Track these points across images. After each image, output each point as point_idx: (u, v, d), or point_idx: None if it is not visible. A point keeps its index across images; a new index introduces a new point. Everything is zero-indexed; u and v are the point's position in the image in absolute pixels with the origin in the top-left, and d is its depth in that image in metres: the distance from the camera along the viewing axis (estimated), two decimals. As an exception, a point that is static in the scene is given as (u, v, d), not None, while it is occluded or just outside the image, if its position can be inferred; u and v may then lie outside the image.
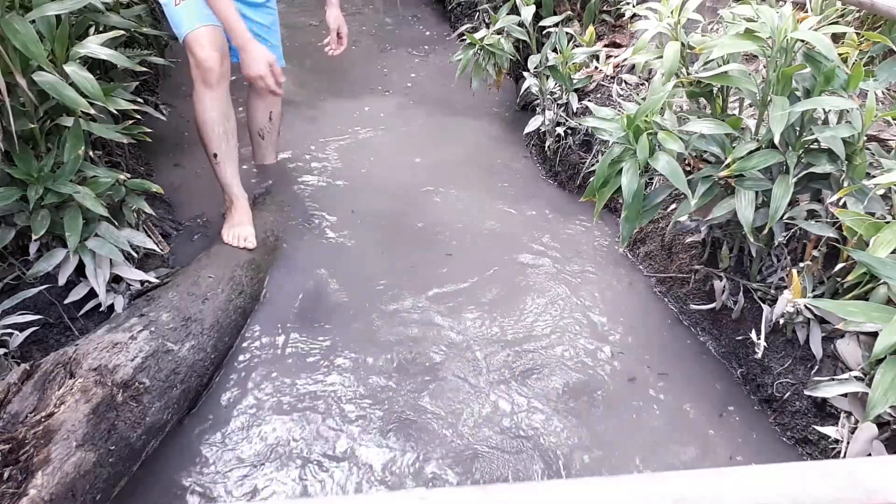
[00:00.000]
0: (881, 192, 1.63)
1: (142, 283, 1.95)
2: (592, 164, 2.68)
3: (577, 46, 2.89)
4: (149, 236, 2.10)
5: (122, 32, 2.26)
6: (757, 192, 1.74)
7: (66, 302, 1.86)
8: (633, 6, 2.67)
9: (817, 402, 1.69)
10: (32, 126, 1.81)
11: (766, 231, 1.76)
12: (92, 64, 2.26)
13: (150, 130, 2.26)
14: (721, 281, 2.00)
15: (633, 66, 2.63)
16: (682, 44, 1.91)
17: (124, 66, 2.11)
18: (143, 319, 1.74)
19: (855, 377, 1.56)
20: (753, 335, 1.83)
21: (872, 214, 1.58)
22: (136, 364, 1.61)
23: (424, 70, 3.95)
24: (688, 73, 1.97)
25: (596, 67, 2.99)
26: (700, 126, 1.77)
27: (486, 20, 3.56)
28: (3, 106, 1.63)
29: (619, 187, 1.77)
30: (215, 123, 2.15)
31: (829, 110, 1.75)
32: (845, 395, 1.58)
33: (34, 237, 1.79)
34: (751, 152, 1.71)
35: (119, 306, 1.87)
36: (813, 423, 1.69)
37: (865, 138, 1.68)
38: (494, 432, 1.76)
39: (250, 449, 1.71)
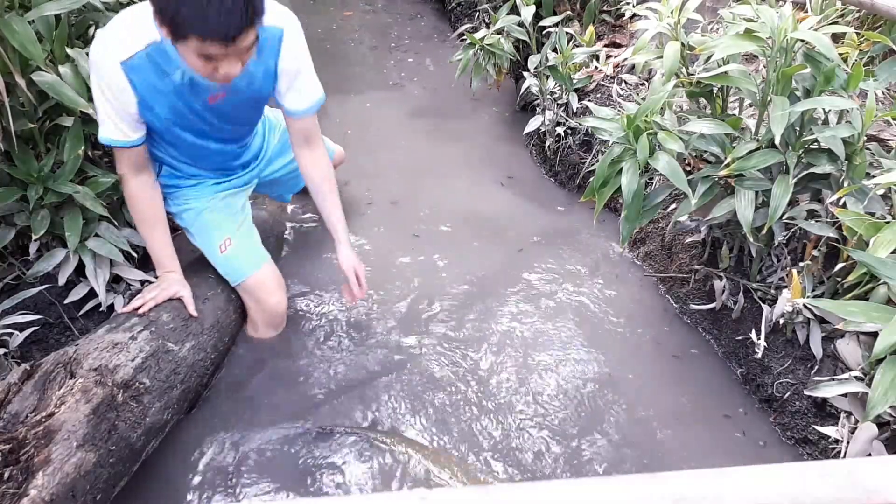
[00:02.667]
0: (881, 192, 1.63)
1: (142, 283, 1.95)
2: (592, 164, 2.68)
3: (577, 46, 2.89)
4: (149, 236, 2.10)
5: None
6: (757, 192, 1.74)
7: (66, 302, 1.86)
8: (633, 6, 2.67)
9: (817, 402, 1.69)
10: (32, 126, 1.81)
11: (765, 231, 1.76)
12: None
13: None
14: (721, 281, 2.00)
15: (633, 66, 2.63)
16: (682, 44, 1.91)
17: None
18: (143, 319, 1.74)
19: (855, 377, 1.56)
20: (753, 335, 1.83)
21: (872, 214, 1.58)
22: (137, 364, 1.61)
23: (424, 69, 3.95)
24: (688, 73, 1.97)
25: (596, 67, 2.99)
26: (700, 126, 1.77)
27: (486, 20, 3.56)
28: (3, 106, 1.63)
29: (619, 187, 1.77)
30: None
31: (829, 110, 1.75)
32: (845, 395, 1.58)
33: (34, 237, 1.79)
34: (751, 152, 1.71)
35: (119, 306, 1.87)
36: (813, 423, 1.69)
37: (865, 138, 1.68)
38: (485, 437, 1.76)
39: (251, 448, 1.71)
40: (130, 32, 1.50)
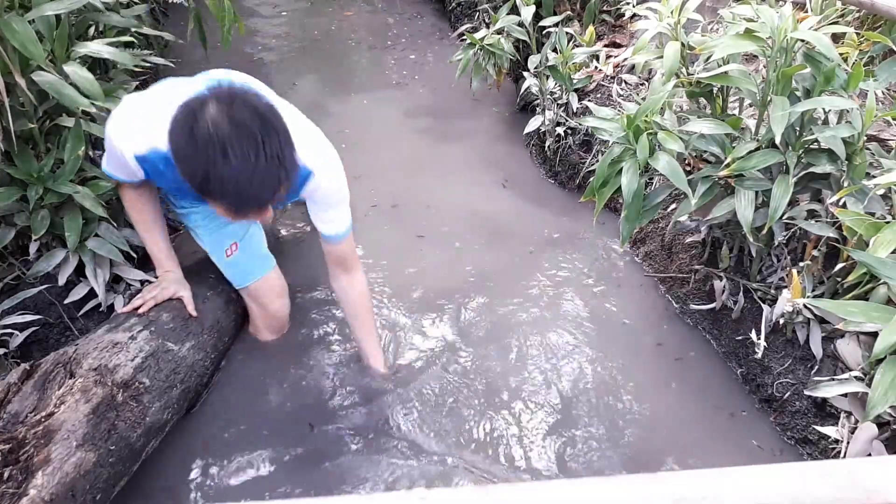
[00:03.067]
0: (881, 192, 1.63)
1: (142, 282, 1.95)
2: (592, 164, 2.68)
3: (577, 46, 2.89)
4: (149, 236, 2.10)
5: (128, 38, 2.26)
6: (757, 192, 1.74)
7: (66, 302, 1.86)
8: (633, 6, 2.67)
9: (817, 402, 1.69)
10: (32, 126, 1.81)
11: (765, 231, 1.76)
12: (91, 64, 2.26)
13: (150, 130, 2.26)
14: (721, 281, 2.00)
15: (633, 66, 2.63)
16: (682, 44, 1.91)
17: (124, 67, 2.10)
18: (143, 319, 1.74)
19: (855, 377, 1.56)
20: (753, 335, 1.83)
21: (872, 214, 1.58)
22: (136, 364, 1.61)
23: (424, 69, 3.95)
24: (688, 73, 1.97)
25: (596, 67, 2.99)
26: (700, 126, 1.77)
27: (486, 20, 3.56)
28: (3, 106, 1.63)
29: (619, 187, 1.77)
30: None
31: (829, 110, 1.75)
32: (845, 395, 1.58)
33: (34, 237, 1.79)
34: (751, 152, 1.71)
35: (119, 306, 1.87)
36: (813, 423, 1.69)
37: (865, 138, 1.68)
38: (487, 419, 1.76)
39: (251, 448, 1.71)
40: (143, 134, 1.42)
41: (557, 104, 2.86)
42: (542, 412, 1.83)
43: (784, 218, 1.73)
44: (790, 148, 1.72)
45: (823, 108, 1.72)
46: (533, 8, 3.03)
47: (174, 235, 2.40)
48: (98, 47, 1.94)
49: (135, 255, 1.98)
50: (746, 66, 2.06)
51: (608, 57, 3.02)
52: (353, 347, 1.99)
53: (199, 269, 2.02)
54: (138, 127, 1.44)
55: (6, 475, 1.29)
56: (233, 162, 1.18)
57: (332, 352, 2.00)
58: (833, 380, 1.61)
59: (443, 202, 2.74)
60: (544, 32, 3.12)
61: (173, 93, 1.39)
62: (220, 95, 1.22)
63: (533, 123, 2.89)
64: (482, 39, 3.05)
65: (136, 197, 1.73)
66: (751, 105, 1.99)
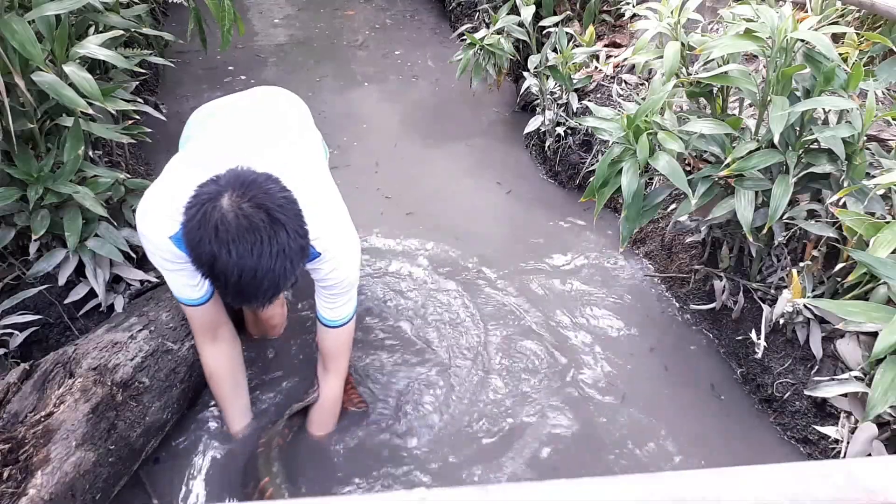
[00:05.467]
0: (881, 192, 1.63)
1: (142, 282, 1.95)
2: (592, 164, 2.68)
3: (577, 46, 2.89)
4: (149, 236, 2.10)
5: (122, 33, 2.26)
6: (757, 192, 1.74)
7: (66, 302, 1.86)
8: (633, 6, 2.67)
9: (817, 402, 1.69)
10: (32, 126, 1.81)
11: (765, 231, 1.76)
12: (92, 64, 2.26)
13: (149, 130, 2.26)
14: (721, 281, 2.00)
15: (633, 66, 2.63)
16: (682, 44, 1.91)
17: (124, 67, 2.10)
18: (142, 319, 1.74)
19: (855, 377, 1.56)
20: (753, 335, 1.83)
21: (872, 214, 1.58)
22: (136, 363, 1.61)
23: (424, 69, 3.95)
24: (688, 73, 1.97)
25: (596, 67, 2.99)
26: (700, 126, 1.77)
27: (486, 20, 3.56)
28: (3, 106, 1.62)
29: (619, 187, 1.77)
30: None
31: (829, 110, 1.75)
32: (845, 395, 1.58)
33: (34, 237, 1.78)
34: (751, 152, 1.71)
35: (119, 306, 1.87)
36: (813, 423, 1.69)
37: (865, 138, 1.68)
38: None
39: (251, 448, 1.70)
40: (170, 215, 1.36)
41: (557, 104, 2.86)
42: (539, 412, 1.83)
43: (784, 218, 1.73)
44: (790, 148, 1.71)
45: (823, 108, 1.72)
46: (533, 8, 3.03)
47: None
48: (94, 48, 1.94)
49: (134, 255, 1.98)
50: (746, 66, 2.06)
51: (608, 57, 3.02)
52: (355, 350, 1.99)
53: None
54: (162, 214, 1.39)
55: (6, 475, 1.29)
56: (234, 259, 1.16)
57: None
58: (833, 380, 1.61)
59: (441, 201, 2.74)
60: (544, 32, 3.12)
61: (193, 169, 1.37)
62: (235, 185, 1.20)
63: (533, 123, 2.89)
64: (482, 39, 3.05)
65: (216, 363, 1.63)
66: (751, 105, 1.99)
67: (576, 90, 2.86)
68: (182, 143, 1.67)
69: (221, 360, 1.63)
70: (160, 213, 1.38)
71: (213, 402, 1.79)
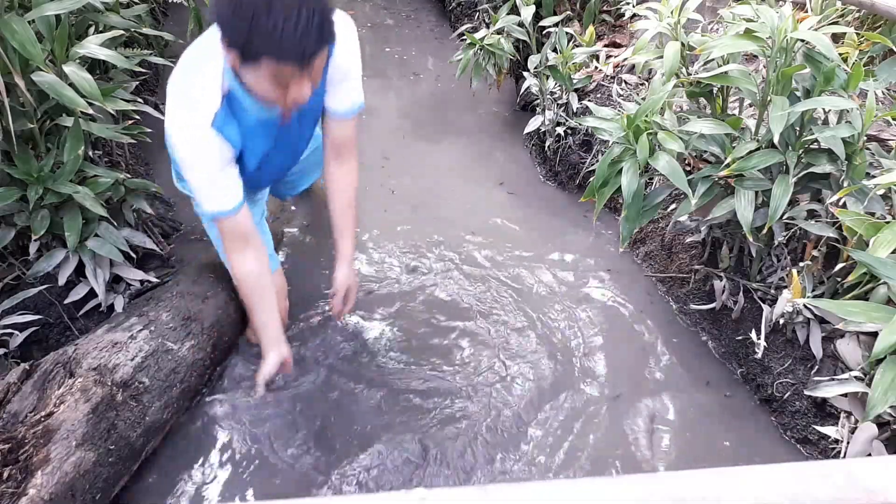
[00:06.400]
0: (881, 192, 1.63)
1: (142, 282, 1.95)
2: (592, 164, 2.68)
3: (577, 46, 2.89)
4: (149, 236, 2.10)
5: (122, 33, 2.26)
6: (757, 192, 1.74)
7: (66, 302, 1.86)
8: (633, 6, 2.67)
9: (817, 402, 1.69)
10: (32, 126, 1.81)
11: (765, 231, 1.76)
12: (92, 64, 2.26)
13: (150, 130, 2.26)
14: (721, 281, 2.00)
15: (633, 66, 2.63)
16: (682, 44, 1.91)
17: (124, 67, 2.10)
18: (142, 319, 1.74)
19: (855, 377, 1.56)
20: (753, 335, 1.83)
21: (872, 214, 1.58)
22: (136, 363, 1.61)
23: (424, 69, 3.95)
24: (688, 73, 1.97)
25: (596, 67, 2.99)
26: (700, 126, 1.77)
27: (486, 20, 3.56)
28: (3, 106, 1.63)
29: (619, 187, 1.77)
30: None
31: (829, 110, 1.75)
32: (845, 395, 1.58)
33: (34, 237, 1.79)
34: (751, 152, 1.71)
35: (119, 306, 1.87)
36: (813, 423, 1.69)
37: (865, 138, 1.68)
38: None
39: (251, 448, 1.71)
40: (200, 97, 1.43)
41: (557, 104, 2.86)
42: (537, 411, 1.83)
43: (784, 218, 1.73)
44: (790, 148, 1.72)
45: (823, 108, 1.72)
46: (533, 8, 3.03)
47: (174, 236, 2.41)
48: (94, 48, 1.94)
49: (134, 256, 1.98)
50: (746, 66, 2.06)
51: (608, 57, 3.02)
52: (352, 346, 1.99)
53: (200, 269, 2.02)
54: (194, 102, 1.43)
55: (6, 475, 1.29)
56: (275, 12, 1.21)
57: (332, 352, 2.00)
58: (833, 380, 1.61)
59: (440, 201, 2.73)
60: (544, 32, 3.12)
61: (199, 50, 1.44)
62: None
63: (533, 123, 2.89)
64: (482, 39, 3.05)
65: (249, 271, 1.61)
66: (751, 105, 1.99)
67: (576, 90, 2.85)
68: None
69: (254, 264, 1.62)
70: (191, 105, 1.43)
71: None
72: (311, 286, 2.24)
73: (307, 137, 1.82)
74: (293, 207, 2.64)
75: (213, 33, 1.40)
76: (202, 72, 1.43)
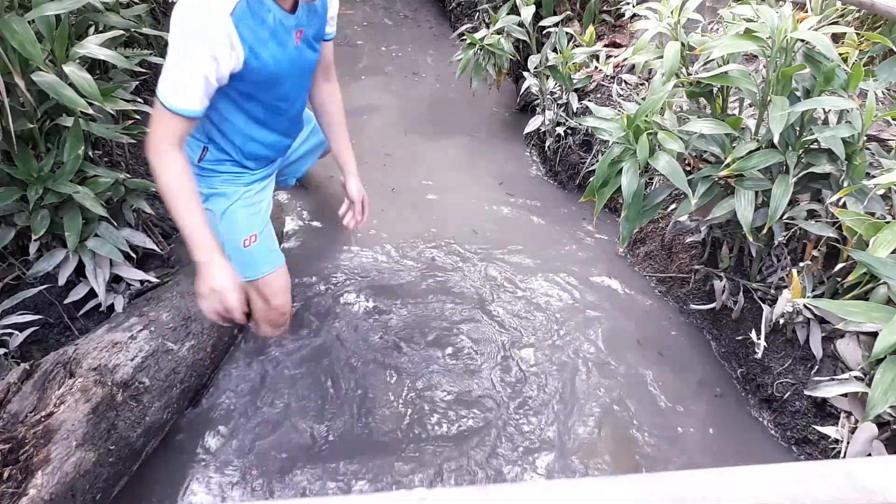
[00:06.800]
0: (881, 192, 1.63)
1: (142, 282, 1.95)
2: (592, 164, 2.68)
3: (577, 46, 2.89)
4: (149, 236, 2.10)
5: (122, 33, 2.26)
6: (757, 192, 1.74)
7: (66, 302, 1.86)
8: (633, 6, 2.67)
9: (817, 402, 1.69)
10: (32, 126, 1.81)
11: (765, 231, 1.76)
12: (92, 64, 2.26)
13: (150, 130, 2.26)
14: (721, 281, 2.00)
15: (633, 66, 2.63)
16: (682, 44, 1.91)
17: (124, 67, 2.10)
18: (142, 319, 1.74)
19: (855, 377, 1.56)
20: (753, 335, 1.83)
21: (872, 214, 1.58)
22: (136, 363, 1.61)
23: (424, 69, 3.95)
24: (688, 73, 1.97)
25: (596, 67, 2.99)
26: (700, 126, 1.77)
27: (486, 20, 3.56)
28: (3, 106, 1.62)
29: (619, 187, 1.77)
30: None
31: (829, 110, 1.75)
32: (845, 395, 1.58)
33: (34, 237, 1.78)
34: (751, 152, 1.71)
35: (119, 306, 1.87)
36: (813, 423, 1.69)
37: (865, 138, 1.68)
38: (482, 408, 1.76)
39: (251, 448, 1.71)
40: None
41: (557, 104, 2.86)
42: (536, 412, 1.83)
43: (784, 218, 1.73)
44: (790, 148, 1.72)
45: (823, 108, 1.72)
46: (533, 8, 3.03)
47: (174, 236, 2.40)
48: (94, 48, 1.94)
49: (134, 256, 1.98)
50: (746, 66, 2.06)
51: (608, 57, 3.02)
52: (352, 344, 1.99)
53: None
54: None
55: (6, 475, 1.29)
56: None
57: (332, 351, 2.00)
58: (833, 380, 1.61)
59: (440, 200, 2.74)
60: (544, 32, 3.12)
61: None
62: None
63: (533, 123, 2.89)
64: (482, 39, 3.05)
65: (178, 164, 1.52)
66: (751, 105, 1.99)
67: (576, 90, 2.86)
68: None
69: (183, 161, 1.53)
70: None
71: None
72: (319, 275, 2.25)
73: (306, 88, 1.89)
74: (294, 201, 2.64)
75: None
76: None
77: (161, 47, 3.13)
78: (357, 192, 2.01)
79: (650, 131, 1.77)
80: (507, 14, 3.10)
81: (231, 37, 1.45)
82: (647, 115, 1.77)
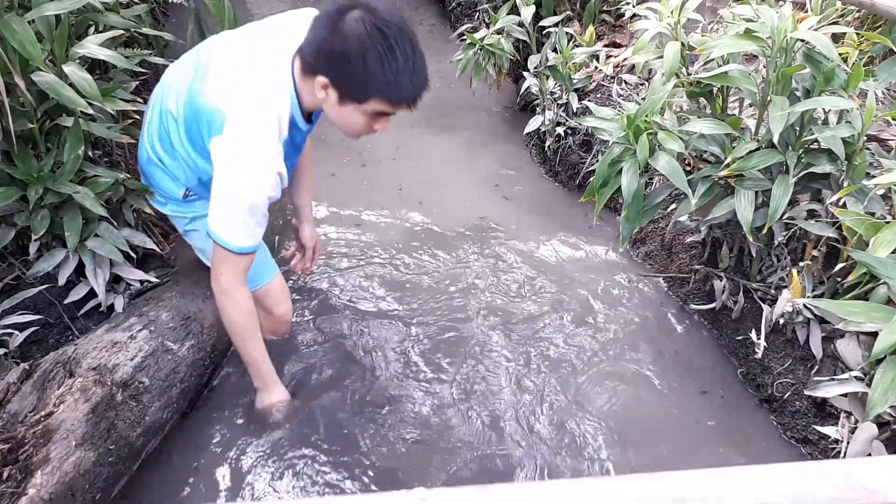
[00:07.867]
0: (881, 192, 1.63)
1: (142, 282, 1.95)
2: (592, 164, 2.68)
3: (577, 46, 2.89)
4: (149, 236, 2.10)
5: (122, 33, 2.26)
6: (757, 192, 1.74)
7: (65, 302, 1.86)
8: (633, 6, 2.67)
9: (817, 402, 1.69)
10: (32, 126, 1.81)
11: (765, 231, 1.76)
12: (92, 64, 2.26)
13: (149, 130, 2.26)
14: (721, 281, 2.00)
15: (633, 66, 2.63)
16: (682, 44, 1.91)
17: (124, 67, 2.10)
18: (142, 319, 1.74)
19: (855, 377, 1.56)
20: (753, 335, 1.83)
21: (872, 214, 1.58)
22: (136, 363, 1.61)
23: (424, 70, 3.95)
24: (688, 73, 1.97)
25: (596, 67, 2.99)
26: (700, 126, 1.77)
27: (486, 20, 3.56)
28: (3, 106, 1.62)
29: (619, 187, 1.77)
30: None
31: (829, 110, 1.75)
32: (845, 395, 1.58)
33: (34, 237, 1.78)
34: (751, 152, 1.71)
35: (119, 306, 1.87)
36: (813, 423, 1.69)
37: (865, 138, 1.68)
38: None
39: (251, 448, 1.71)
40: (268, 120, 1.45)
41: (557, 104, 2.86)
42: (535, 412, 1.83)
43: (784, 218, 1.73)
44: (790, 148, 1.72)
45: (823, 108, 1.72)
46: (533, 8, 3.03)
47: (174, 236, 2.40)
48: (94, 48, 1.94)
49: (134, 256, 1.98)
50: (746, 66, 2.06)
51: (608, 57, 3.02)
52: (352, 343, 1.99)
53: (199, 269, 2.01)
54: (264, 125, 1.44)
55: (5, 474, 1.29)
56: (395, 61, 1.31)
57: (332, 351, 2.00)
58: (833, 380, 1.61)
59: (440, 200, 2.74)
60: (544, 32, 3.12)
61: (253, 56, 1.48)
62: (358, 5, 1.31)
63: (533, 123, 2.89)
64: (482, 39, 3.05)
65: (248, 302, 1.64)
66: (751, 105, 1.99)
67: (576, 90, 2.86)
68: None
69: (251, 300, 1.66)
70: (262, 127, 1.44)
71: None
72: (313, 283, 2.24)
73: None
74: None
75: (263, 52, 1.45)
76: (259, 107, 1.43)
77: (161, 47, 3.14)
78: (310, 239, 2.03)
79: (650, 131, 1.77)
80: (507, 14, 3.10)
81: (282, 174, 1.49)
82: (647, 115, 1.77)
